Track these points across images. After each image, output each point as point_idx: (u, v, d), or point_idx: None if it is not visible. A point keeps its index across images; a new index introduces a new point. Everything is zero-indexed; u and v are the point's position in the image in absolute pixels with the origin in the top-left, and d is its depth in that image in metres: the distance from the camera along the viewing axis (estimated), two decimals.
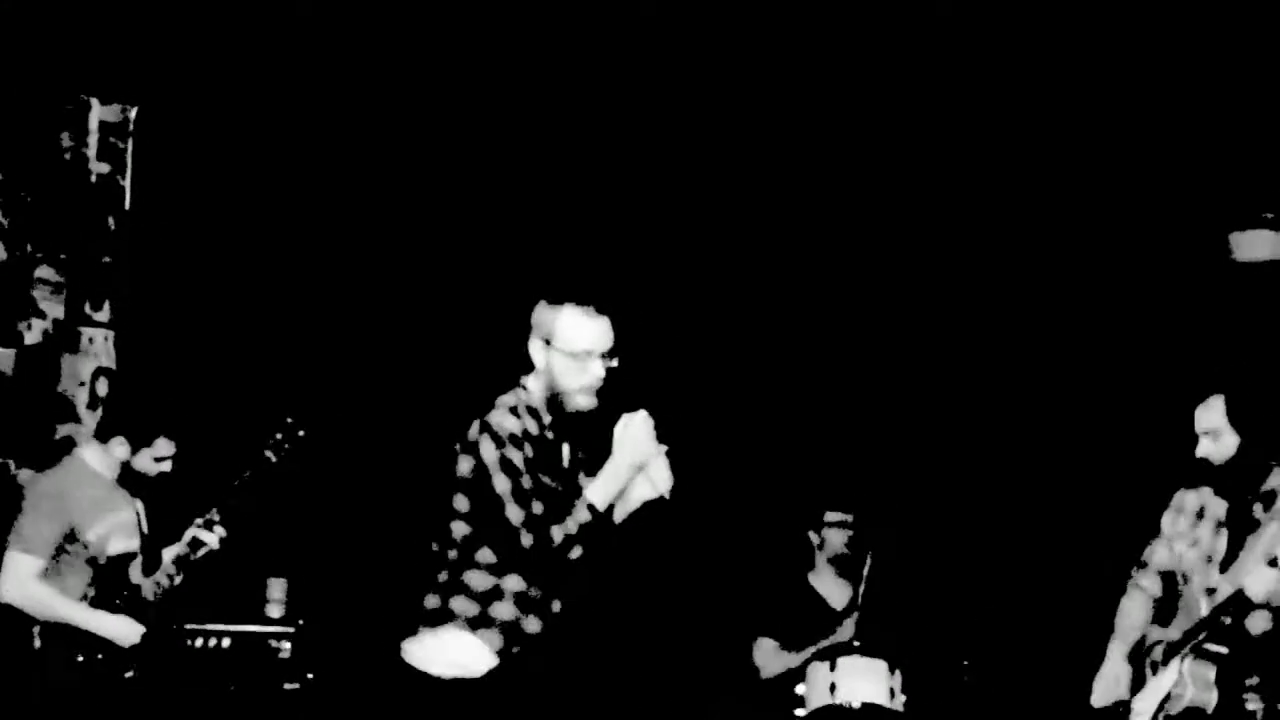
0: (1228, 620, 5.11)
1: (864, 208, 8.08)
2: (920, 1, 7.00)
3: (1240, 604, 5.05)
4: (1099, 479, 7.57)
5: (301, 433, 6.04)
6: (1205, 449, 5.32)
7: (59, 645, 5.70)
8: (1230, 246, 7.88)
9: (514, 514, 4.59)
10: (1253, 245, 7.87)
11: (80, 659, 5.69)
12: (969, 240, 8.02)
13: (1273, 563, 4.96)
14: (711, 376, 8.04)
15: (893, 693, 6.73)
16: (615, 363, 4.77)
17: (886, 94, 7.52)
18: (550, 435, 4.77)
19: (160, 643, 5.85)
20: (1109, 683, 5.51)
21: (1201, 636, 5.16)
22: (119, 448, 5.89)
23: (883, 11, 7.07)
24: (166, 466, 5.93)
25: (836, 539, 7.37)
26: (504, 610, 4.66)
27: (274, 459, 5.98)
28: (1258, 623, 5.14)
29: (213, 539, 5.89)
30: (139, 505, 6.01)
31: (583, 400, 4.74)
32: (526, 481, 4.61)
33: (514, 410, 4.71)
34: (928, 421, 8.03)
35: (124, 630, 5.74)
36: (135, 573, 5.87)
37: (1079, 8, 6.91)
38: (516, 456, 4.61)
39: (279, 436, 6.00)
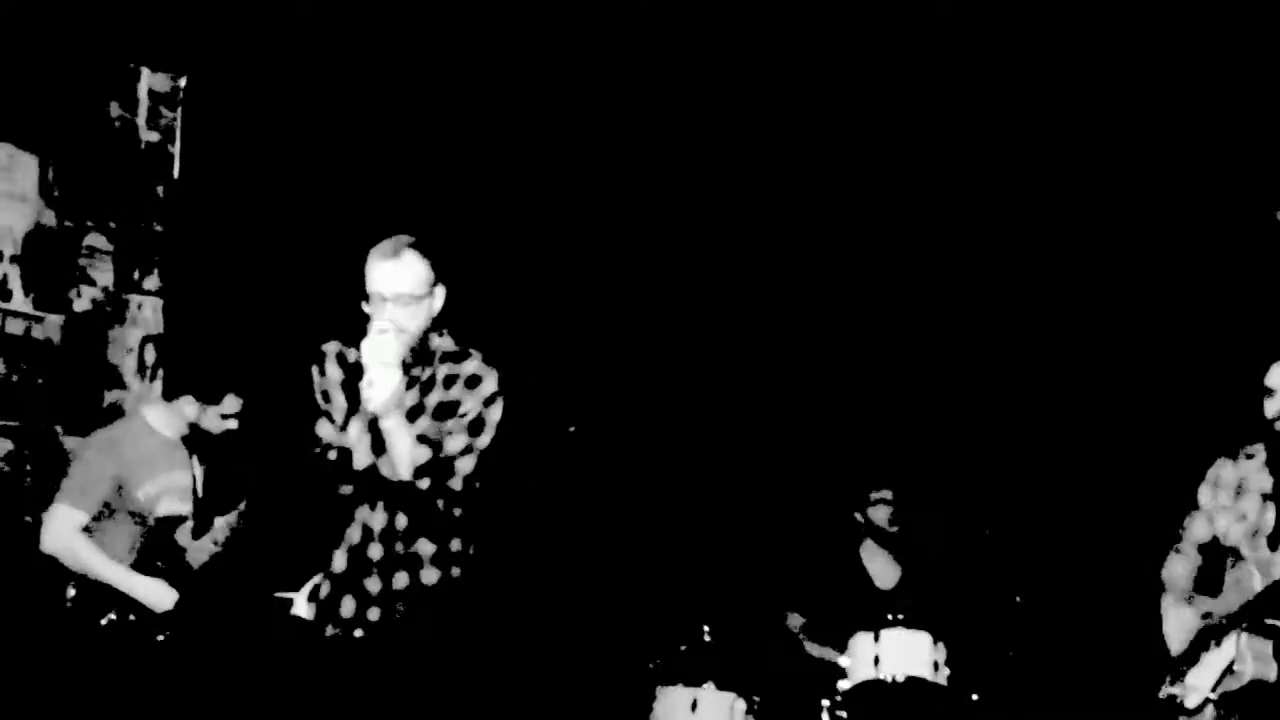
0: None
1: (908, 183, 8.06)
2: None
3: None
4: (1145, 452, 7.56)
5: None
6: (1277, 408, 5.29)
7: (92, 601, 5.71)
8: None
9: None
10: None
11: (112, 617, 5.69)
12: (1017, 216, 8.00)
13: None
14: (761, 360, 8.06)
15: (936, 665, 6.75)
16: (404, 314, 4.49)
17: (950, 67, 7.51)
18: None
19: (200, 609, 5.83)
20: (1179, 630, 5.49)
21: (1263, 609, 5.16)
22: (188, 406, 5.89)
23: None
24: (233, 424, 5.92)
25: (880, 516, 7.40)
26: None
27: None
28: None
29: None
30: (198, 469, 6.01)
31: (367, 347, 4.43)
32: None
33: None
34: (972, 398, 8.03)
35: (158, 595, 5.73)
36: (184, 536, 5.85)
37: None
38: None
39: None
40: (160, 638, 5.73)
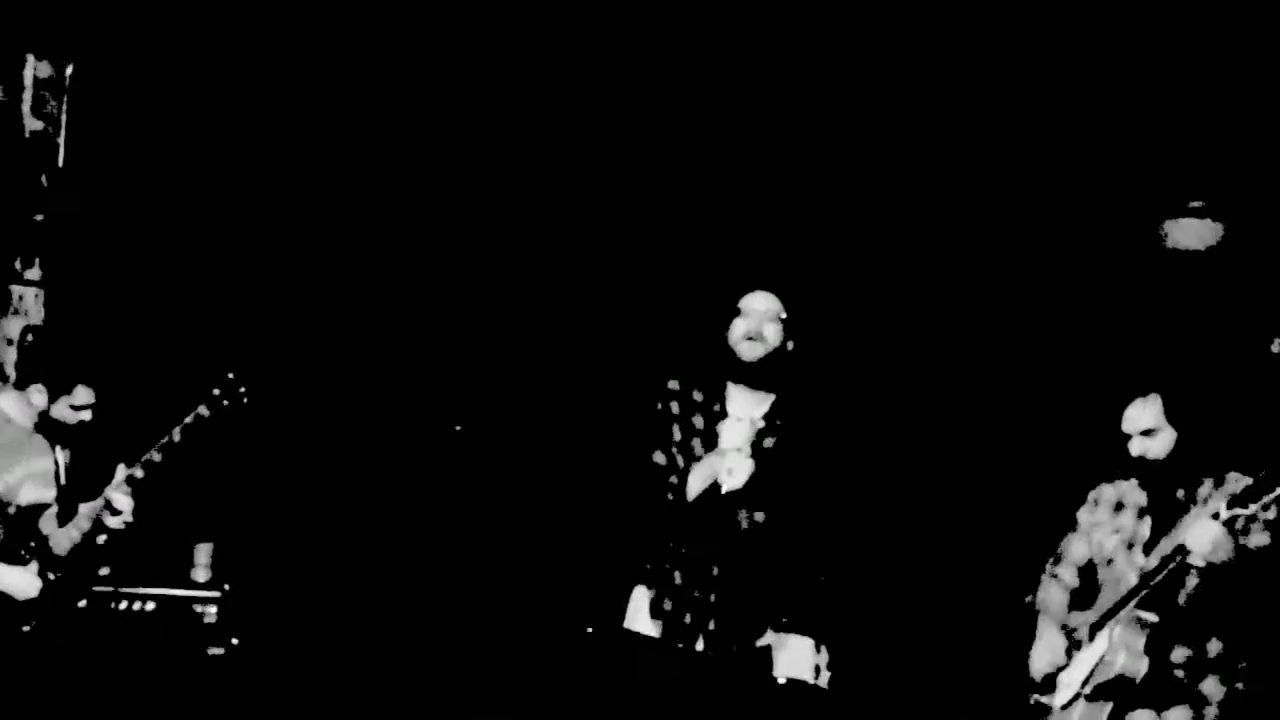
0: (1171, 571, 5.13)
1: (783, 191, 8.05)
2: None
3: (1181, 560, 5.09)
4: (1025, 464, 7.62)
5: (242, 389, 5.86)
6: (1142, 446, 5.37)
7: None
8: (1162, 235, 7.93)
9: None
10: (1184, 234, 7.93)
11: None
12: (896, 227, 8.01)
13: (1215, 516, 5.01)
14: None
15: (818, 669, 6.76)
16: (770, 329, 5.31)
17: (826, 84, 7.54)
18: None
19: (68, 598, 5.73)
20: (1047, 653, 5.55)
21: (1135, 602, 5.21)
22: (36, 395, 5.78)
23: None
24: (86, 416, 5.82)
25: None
26: None
27: (208, 415, 5.79)
28: (1182, 589, 5.20)
29: (126, 504, 5.73)
30: (61, 456, 5.89)
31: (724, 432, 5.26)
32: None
33: None
34: (860, 403, 8.01)
35: (20, 582, 5.62)
36: (48, 524, 5.74)
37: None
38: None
39: (217, 393, 5.82)
40: (26, 629, 5.64)
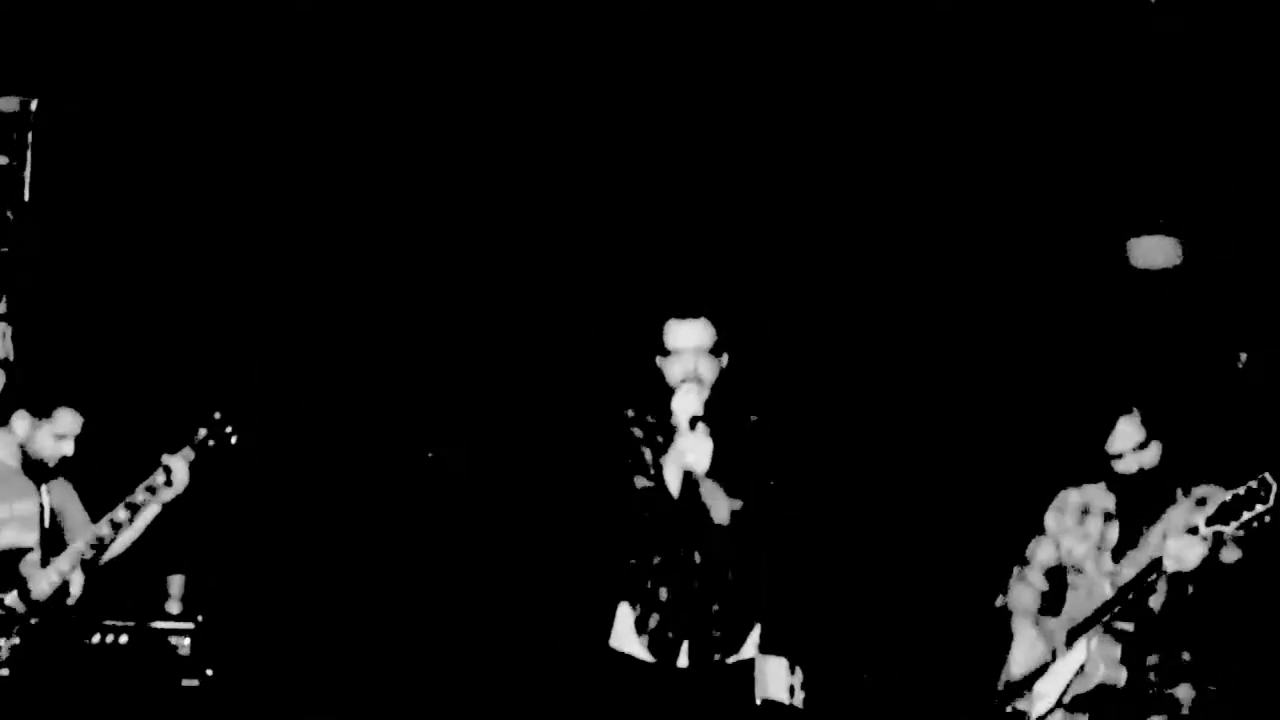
0: (1148, 582, 5.17)
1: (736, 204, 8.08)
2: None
3: (1158, 573, 5.14)
4: (992, 478, 7.65)
5: (230, 430, 5.70)
6: (1137, 461, 5.38)
7: None
8: (1128, 253, 7.97)
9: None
10: (1149, 251, 7.97)
11: None
12: (873, 245, 8.04)
13: (1194, 531, 5.04)
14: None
15: (792, 690, 6.79)
16: (704, 365, 5.19)
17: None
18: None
19: (42, 641, 5.61)
20: (1025, 653, 5.58)
21: (1112, 613, 5.24)
22: (19, 423, 5.65)
23: None
24: (68, 448, 5.67)
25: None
26: None
27: (193, 456, 5.66)
28: (1156, 598, 5.24)
29: (118, 542, 5.68)
30: (46, 499, 5.76)
31: (677, 404, 5.12)
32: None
33: None
34: (823, 417, 8.06)
35: None
36: (29, 568, 5.63)
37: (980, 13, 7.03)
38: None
39: (203, 433, 5.70)
40: (3, 673, 5.54)
